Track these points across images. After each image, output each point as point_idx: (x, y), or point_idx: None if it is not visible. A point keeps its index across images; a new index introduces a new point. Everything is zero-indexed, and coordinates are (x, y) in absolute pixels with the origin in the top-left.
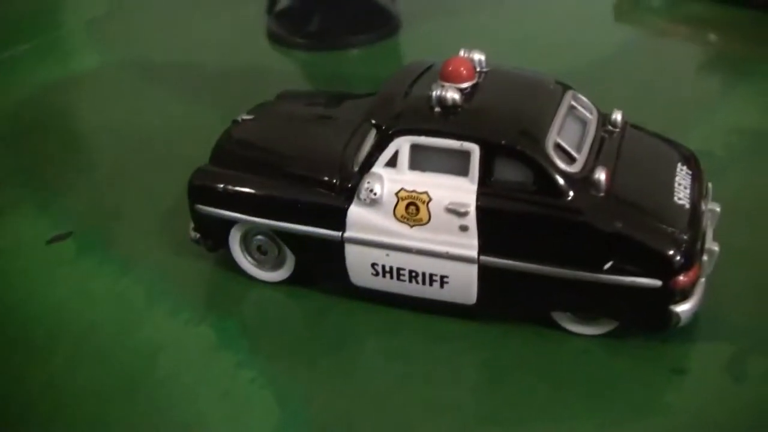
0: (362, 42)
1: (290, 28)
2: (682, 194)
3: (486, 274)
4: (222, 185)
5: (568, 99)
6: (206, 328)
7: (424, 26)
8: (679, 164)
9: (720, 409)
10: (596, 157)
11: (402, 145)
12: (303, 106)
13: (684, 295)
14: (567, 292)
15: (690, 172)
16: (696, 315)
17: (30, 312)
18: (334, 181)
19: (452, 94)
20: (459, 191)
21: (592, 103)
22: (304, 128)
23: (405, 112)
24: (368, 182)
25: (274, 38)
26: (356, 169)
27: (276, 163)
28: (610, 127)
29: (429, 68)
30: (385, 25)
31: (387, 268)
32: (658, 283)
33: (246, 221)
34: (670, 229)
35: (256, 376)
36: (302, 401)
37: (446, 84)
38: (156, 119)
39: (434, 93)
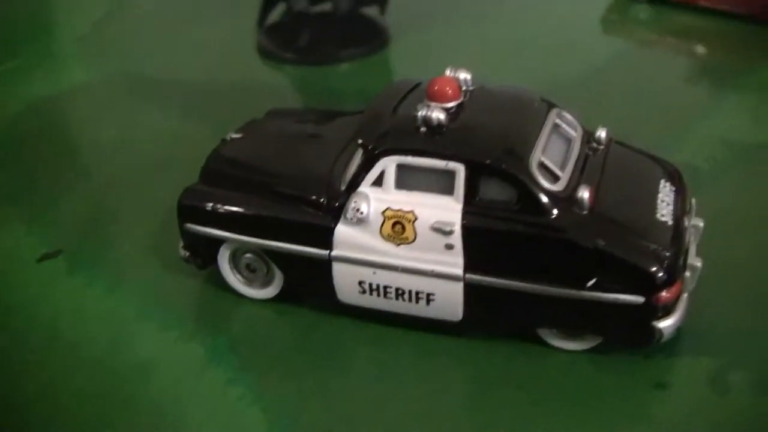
0: (352, 56)
1: (280, 43)
2: (665, 211)
3: (471, 291)
4: (211, 204)
5: (553, 117)
6: (196, 345)
7: (414, 40)
8: (663, 181)
9: (703, 423)
10: (580, 174)
11: (388, 164)
12: (291, 124)
13: (667, 311)
14: (551, 308)
15: (673, 189)
16: (679, 330)
17: (19, 330)
18: (322, 200)
19: (437, 114)
20: (444, 210)
21: (577, 120)
22: (292, 147)
23: (391, 132)
24: (355, 201)
25: (264, 53)
26: (343, 188)
27: (264, 182)
28: (594, 144)
29: (416, 87)
30: (375, 39)
31: (374, 286)
32: (640, 299)
33: (235, 240)
34: (652, 246)
35: (246, 393)
36: (291, 417)
37: (432, 104)
38: (146, 135)
39: (420, 113)
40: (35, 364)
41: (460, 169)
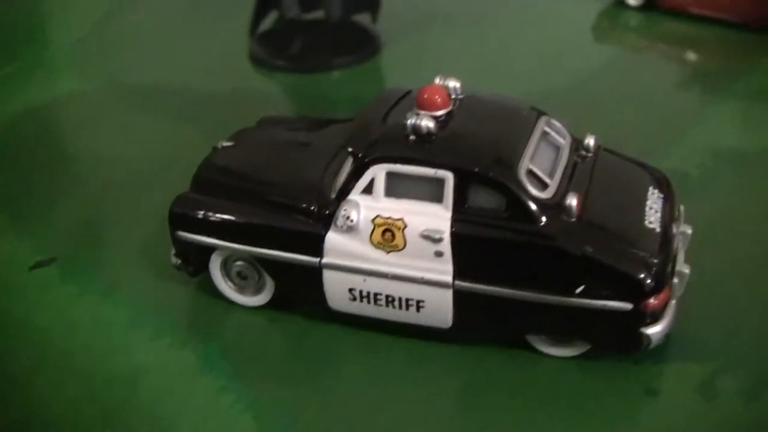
0: (343, 64)
1: (272, 50)
2: (653, 218)
3: (461, 298)
4: (202, 212)
5: (542, 125)
6: (188, 353)
7: (405, 47)
8: (651, 188)
9: (692, 428)
10: (569, 182)
11: (378, 172)
12: (282, 132)
13: (655, 318)
14: (540, 315)
15: (661, 196)
16: (668, 336)
17: (12, 338)
18: (312, 208)
19: (427, 123)
20: (434, 218)
21: (566, 128)
22: (283, 155)
23: (380, 140)
24: (345, 209)
25: (256, 60)
26: (333, 196)
27: (255, 190)
28: (583, 152)
29: (406, 95)
30: (367, 46)
31: (364, 293)
32: (629, 306)
33: (226, 247)
34: (640, 253)
35: (238, 400)
36: (284, 423)
37: (421, 112)
38: (139, 143)
39: (409, 121)
40: (29, 372)
41: (449, 177)
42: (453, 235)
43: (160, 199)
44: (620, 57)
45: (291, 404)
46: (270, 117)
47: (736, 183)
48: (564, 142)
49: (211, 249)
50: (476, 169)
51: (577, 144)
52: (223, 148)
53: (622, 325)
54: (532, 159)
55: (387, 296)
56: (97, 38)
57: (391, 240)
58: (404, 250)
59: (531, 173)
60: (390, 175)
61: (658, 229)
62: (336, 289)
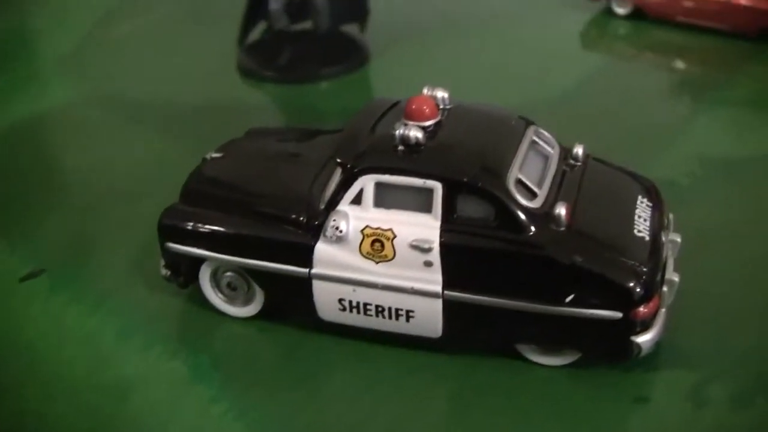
0: (332, 74)
1: (261, 61)
2: (642, 226)
3: (450, 308)
4: (191, 224)
5: (530, 135)
6: (178, 363)
7: (393, 57)
8: (640, 197)
9: None
10: (557, 191)
11: (366, 183)
12: (271, 143)
13: (645, 326)
14: (530, 324)
15: (650, 204)
16: (658, 345)
17: (1, 349)
18: (301, 219)
19: (415, 133)
20: (423, 228)
21: (555, 137)
22: (271, 166)
23: (369, 150)
24: (334, 220)
25: (245, 71)
26: (322, 207)
27: (244, 201)
28: (571, 161)
29: (394, 105)
30: (355, 57)
31: (354, 304)
32: (618, 314)
33: (215, 259)
34: (629, 262)
35: (228, 410)
36: None
37: (410, 122)
38: (128, 155)
39: (398, 132)
40: (19, 383)
41: (437, 187)
42: (442, 245)
43: (150, 210)
44: (609, 66)
45: (282, 414)
46: (259, 128)
47: (726, 191)
48: (552, 151)
49: (200, 260)
50: (465, 179)
51: (565, 153)
52: (212, 159)
53: (612, 334)
54: (520, 168)
55: (377, 306)
56: (86, 51)
57: (380, 250)
58: (393, 260)
59: (520, 183)
60: (379, 186)
61: (647, 238)
62: (326, 299)
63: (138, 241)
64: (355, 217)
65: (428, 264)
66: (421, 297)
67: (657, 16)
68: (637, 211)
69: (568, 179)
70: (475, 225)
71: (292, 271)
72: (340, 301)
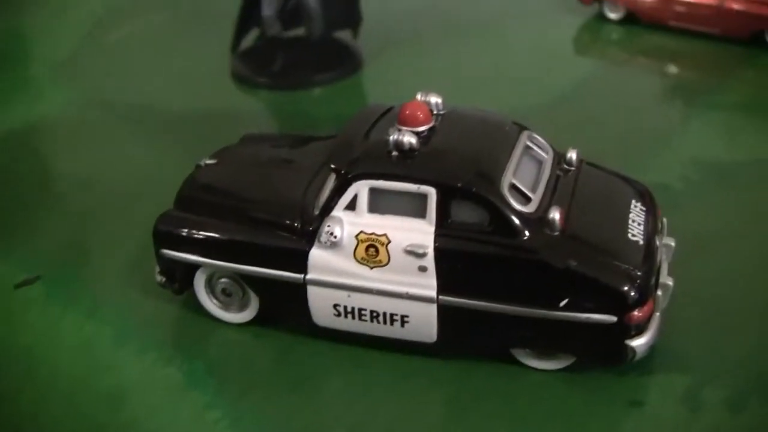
0: (325, 80)
1: (254, 68)
2: (635, 231)
3: (445, 313)
4: (186, 230)
5: (524, 140)
6: (173, 369)
7: (386, 64)
8: (634, 201)
9: None
10: (551, 196)
11: (361, 188)
12: (265, 149)
13: (639, 330)
14: (525, 329)
15: (644, 209)
16: (652, 348)
17: None
18: (296, 224)
19: (409, 139)
20: (417, 233)
21: (548, 142)
22: (266, 172)
23: (363, 156)
24: (328, 225)
25: (238, 78)
26: (317, 212)
27: (239, 207)
28: (565, 166)
29: (387, 111)
30: (348, 63)
31: (349, 309)
32: (613, 318)
33: (210, 265)
34: (623, 266)
35: (223, 416)
36: None
37: (403, 128)
38: (122, 162)
39: (392, 137)
40: (15, 389)
41: (431, 193)
42: (436, 250)
43: (144, 216)
44: (601, 70)
45: (277, 420)
46: (252, 134)
47: (719, 195)
48: (546, 156)
49: (195, 266)
50: (459, 184)
51: (559, 158)
52: (206, 165)
53: (607, 338)
54: (514, 173)
55: (372, 311)
56: (79, 58)
57: (374, 255)
58: (388, 265)
59: (514, 187)
60: (373, 191)
61: (641, 242)
62: (320, 304)
63: (133, 247)
64: (349, 222)
65: (423, 269)
66: (415, 302)
67: (649, 20)
68: (630, 215)
69: (562, 184)
70: (469, 230)
71: (287, 277)
72: (335, 306)
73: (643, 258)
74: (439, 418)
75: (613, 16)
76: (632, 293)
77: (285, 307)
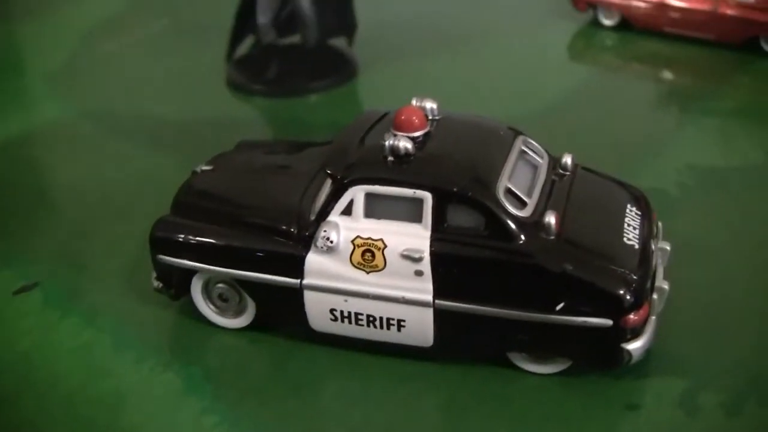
0: (320, 88)
1: (249, 76)
2: (631, 235)
3: (441, 317)
4: (183, 236)
5: (519, 144)
6: (171, 375)
7: (381, 71)
8: (629, 205)
9: None
10: (547, 200)
11: (357, 193)
12: (261, 155)
13: (635, 334)
14: (521, 333)
15: (639, 213)
16: (648, 352)
17: None
18: (292, 229)
19: (404, 144)
20: (413, 237)
21: (543, 147)
22: (262, 178)
23: (359, 161)
24: (325, 230)
25: (233, 85)
26: (313, 217)
27: (235, 213)
28: (560, 171)
29: (383, 117)
30: (343, 70)
31: (345, 314)
32: (609, 322)
33: (207, 270)
34: (619, 270)
35: (221, 421)
36: None
37: (399, 133)
38: (118, 169)
39: (387, 143)
40: (14, 396)
41: (427, 197)
42: (432, 254)
43: (140, 223)
44: (596, 76)
45: (274, 425)
46: (248, 141)
47: (714, 199)
48: (541, 161)
49: (192, 272)
50: (454, 189)
51: (554, 163)
52: (203, 171)
53: (603, 342)
54: (510, 178)
55: (368, 316)
56: (75, 68)
57: (371, 260)
58: (384, 270)
59: (509, 192)
60: (369, 196)
61: (636, 246)
62: (317, 309)
63: (130, 254)
64: (345, 227)
65: (419, 273)
66: (412, 306)
67: (644, 26)
68: (626, 219)
69: (558, 188)
70: (465, 234)
71: (284, 282)
72: (332, 311)
73: (638, 262)
74: (436, 423)
75: (607, 22)
76: (628, 297)
77: (282, 312)
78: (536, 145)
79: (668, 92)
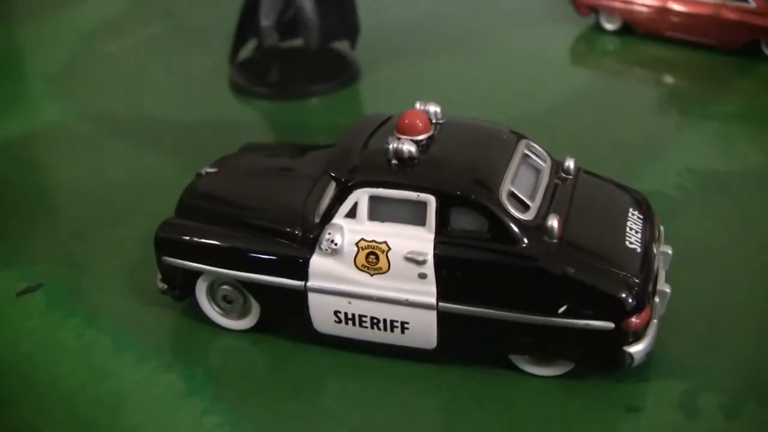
0: (322, 91)
1: (252, 79)
2: (633, 238)
3: (445, 319)
4: (187, 237)
5: (522, 148)
6: (173, 376)
7: (383, 74)
8: (631, 209)
9: None
10: (549, 204)
11: (361, 196)
12: (264, 158)
13: (637, 337)
14: (523, 335)
15: (641, 217)
16: (650, 355)
17: None
18: (296, 232)
19: (408, 147)
20: (417, 240)
21: (546, 151)
22: (266, 181)
23: (363, 164)
24: (329, 233)
25: (236, 88)
26: (317, 220)
27: (239, 215)
28: (563, 174)
29: (386, 120)
30: (345, 73)
31: (349, 316)
32: (611, 325)
33: (212, 272)
34: (621, 273)
35: (222, 422)
36: None
37: (402, 137)
38: (121, 172)
39: (391, 146)
40: (16, 396)
41: (431, 200)
42: (436, 257)
43: (143, 225)
44: (598, 80)
45: (275, 426)
46: (252, 144)
47: (715, 203)
48: (544, 164)
49: (196, 274)
50: (458, 192)
51: (557, 166)
52: (207, 174)
53: (605, 344)
54: (513, 181)
55: (372, 318)
56: (74, 68)
57: (375, 263)
58: (388, 272)
59: (512, 195)
60: (373, 199)
61: (638, 250)
62: (321, 311)
63: (130, 255)
64: (349, 230)
65: (423, 276)
66: (415, 309)
67: (645, 31)
68: (628, 223)
69: (560, 192)
70: (468, 237)
71: (288, 284)
72: (336, 313)
73: (640, 265)
74: (437, 424)
75: (609, 26)
76: (630, 300)
77: (286, 314)
78: (539, 148)
79: (669, 96)
